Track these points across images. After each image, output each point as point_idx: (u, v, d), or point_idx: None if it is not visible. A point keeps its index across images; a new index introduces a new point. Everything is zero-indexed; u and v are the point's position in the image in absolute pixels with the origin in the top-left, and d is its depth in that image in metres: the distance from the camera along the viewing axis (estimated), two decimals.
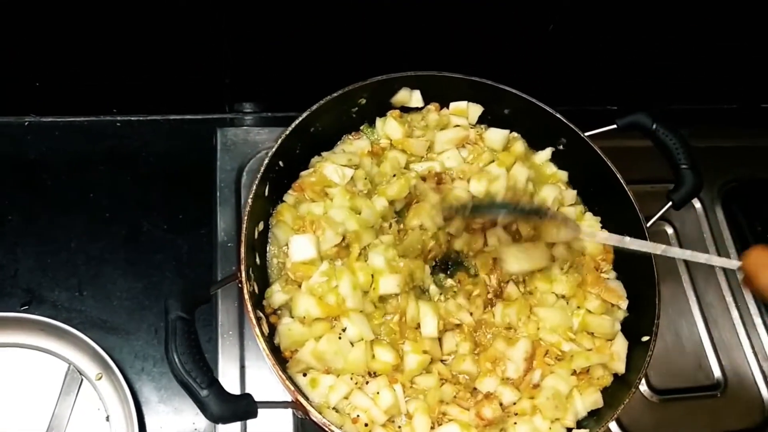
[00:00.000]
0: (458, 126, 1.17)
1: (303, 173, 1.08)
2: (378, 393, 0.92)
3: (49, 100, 1.28)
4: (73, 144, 1.29)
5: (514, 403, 0.97)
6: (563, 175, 1.17)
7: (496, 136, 1.16)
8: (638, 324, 1.01)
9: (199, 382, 0.74)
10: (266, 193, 1.02)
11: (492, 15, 1.21)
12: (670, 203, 1.07)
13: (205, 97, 1.34)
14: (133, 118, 1.33)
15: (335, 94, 1.05)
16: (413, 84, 1.14)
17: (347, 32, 1.21)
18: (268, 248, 1.03)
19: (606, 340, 1.02)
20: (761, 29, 1.35)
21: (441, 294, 1.04)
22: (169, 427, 1.06)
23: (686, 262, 1.34)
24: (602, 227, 1.14)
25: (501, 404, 0.96)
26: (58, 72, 1.22)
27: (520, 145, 1.17)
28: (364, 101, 1.12)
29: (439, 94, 1.15)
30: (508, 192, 1.04)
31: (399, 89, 1.14)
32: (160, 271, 1.18)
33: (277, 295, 0.97)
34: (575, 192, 1.15)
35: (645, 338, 0.98)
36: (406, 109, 1.17)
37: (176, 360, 0.74)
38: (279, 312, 0.98)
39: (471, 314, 1.02)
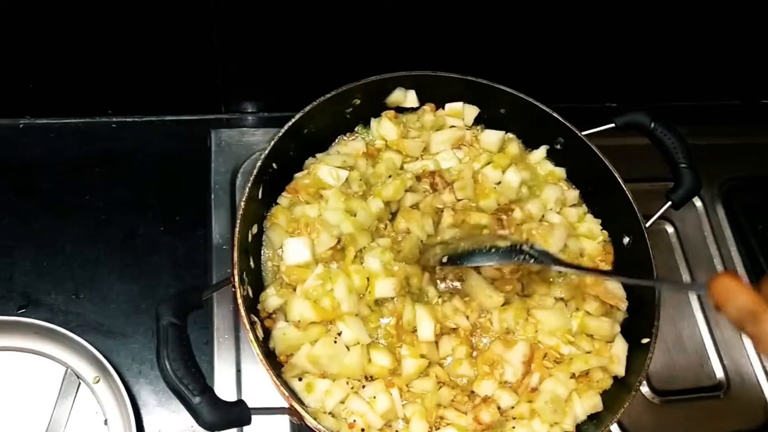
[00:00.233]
0: (454, 127, 1.16)
1: (297, 175, 1.07)
2: (375, 397, 0.92)
3: (43, 102, 1.28)
4: (69, 146, 1.29)
5: (513, 407, 0.96)
6: (561, 172, 1.16)
7: (491, 137, 1.15)
8: (638, 326, 1.00)
9: (192, 389, 0.73)
10: (260, 196, 1.01)
11: (487, 14, 1.20)
12: (670, 203, 1.06)
13: (201, 98, 1.33)
14: (128, 120, 1.33)
15: (329, 95, 1.04)
16: (408, 84, 1.13)
17: (342, 32, 1.20)
18: (262, 251, 1.02)
19: (605, 342, 1.01)
20: (760, 25, 1.33)
21: (439, 297, 1.03)
22: (166, 430, 1.06)
23: (687, 261, 1.32)
24: (602, 228, 1.13)
25: (499, 408, 0.95)
26: (52, 73, 1.22)
27: (514, 146, 1.16)
28: (358, 102, 1.11)
29: (434, 94, 1.14)
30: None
31: (393, 89, 1.13)
32: (157, 274, 1.18)
33: (271, 299, 0.96)
34: (577, 192, 1.14)
35: (645, 340, 0.97)
36: (401, 110, 1.16)
37: (168, 367, 0.74)
38: (274, 316, 0.97)
39: (467, 318, 1.01)
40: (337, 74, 1.08)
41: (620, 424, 1.14)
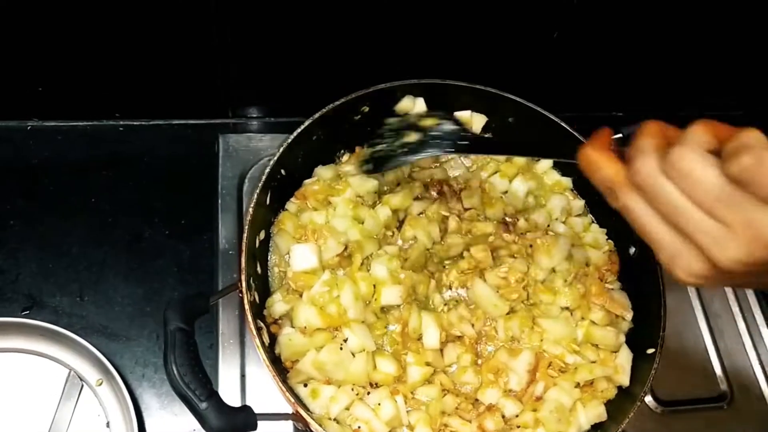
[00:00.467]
0: None
1: (306, 181, 1.08)
2: (379, 404, 0.92)
3: (51, 105, 1.28)
4: (76, 148, 1.29)
5: (517, 416, 0.96)
6: (567, 182, 1.16)
7: None
8: (643, 336, 1.00)
9: (198, 395, 0.73)
10: (267, 202, 1.01)
11: (496, 23, 1.21)
12: None
13: (208, 102, 1.33)
14: (135, 123, 1.33)
15: (337, 103, 1.05)
16: (416, 92, 1.13)
17: (350, 39, 1.20)
18: (269, 257, 1.03)
19: (610, 352, 1.01)
20: (767, 36, 1.33)
21: (444, 305, 1.03)
22: None
23: None
24: (607, 238, 1.13)
25: (503, 417, 0.95)
26: (60, 76, 1.22)
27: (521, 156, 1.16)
28: (367, 109, 1.11)
29: (442, 102, 1.14)
30: None
31: (402, 97, 1.13)
32: (162, 278, 1.18)
33: (277, 305, 0.96)
34: (583, 202, 1.14)
35: (650, 350, 0.97)
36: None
37: (175, 372, 0.74)
38: (280, 321, 0.97)
39: (472, 326, 1.01)
40: (344, 80, 1.08)
41: None
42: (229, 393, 1.05)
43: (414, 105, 1.13)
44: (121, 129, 1.32)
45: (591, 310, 1.03)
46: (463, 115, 1.15)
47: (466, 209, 1.10)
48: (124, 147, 1.30)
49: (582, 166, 0.66)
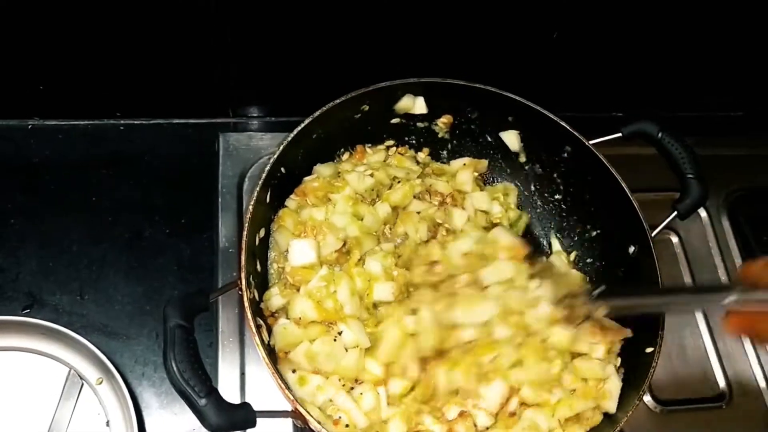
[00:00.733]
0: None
1: (306, 178, 1.08)
2: (361, 394, 0.92)
3: (52, 104, 1.28)
4: (76, 147, 1.29)
5: (488, 428, 0.95)
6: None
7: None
8: (642, 335, 1.00)
9: (198, 391, 0.73)
10: (267, 200, 1.02)
11: (496, 22, 1.21)
12: (675, 213, 1.06)
13: (209, 102, 1.34)
14: (136, 122, 1.33)
15: (338, 101, 1.05)
16: (417, 91, 1.13)
17: (351, 38, 1.20)
18: (269, 254, 1.03)
19: (599, 380, 0.99)
20: (766, 36, 1.34)
21: None
22: None
23: (691, 271, 1.32)
24: (604, 239, 1.13)
25: (475, 425, 0.95)
26: (61, 75, 1.23)
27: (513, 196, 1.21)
28: (367, 107, 1.11)
29: (442, 102, 1.15)
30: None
31: (402, 96, 1.13)
32: (162, 276, 1.18)
33: (275, 298, 0.97)
34: None
35: (649, 349, 0.96)
36: (410, 116, 1.16)
37: (174, 369, 0.74)
38: (276, 315, 0.98)
39: None
40: (345, 79, 1.08)
41: None
42: (228, 391, 1.06)
43: (414, 104, 1.14)
44: (121, 128, 1.33)
45: (592, 350, 1.01)
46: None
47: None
48: (125, 146, 1.31)
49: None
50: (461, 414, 0.94)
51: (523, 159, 1.21)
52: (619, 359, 1.03)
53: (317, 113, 1.03)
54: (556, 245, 1.21)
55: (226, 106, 1.35)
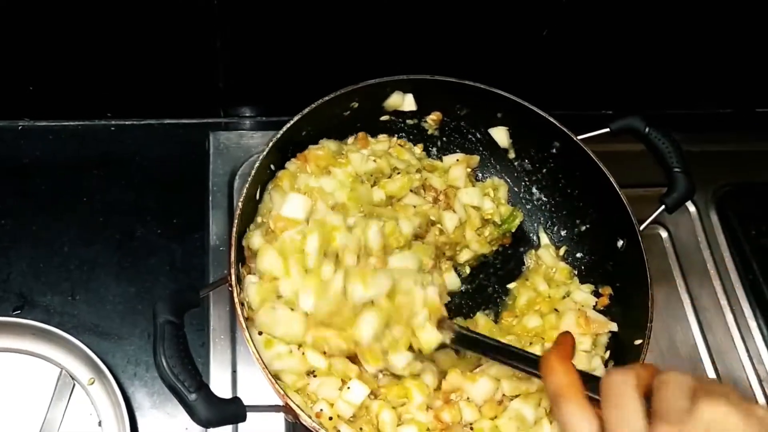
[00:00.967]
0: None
1: (312, 146, 1.08)
2: (349, 388, 0.91)
3: (42, 104, 1.28)
4: (67, 148, 1.29)
5: (473, 423, 0.95)
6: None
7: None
8: (631, 327, 1.01)
9: (188, 386, 0.73)
10: (257, 197, 1.02)
11: (485, 19, 1.22)
12: (663, 207, 1.07)
13: (200, 102, 1.34)
14: (127, 123, 1.33)
15: (327, 98, 1.05)
16: (406, 88, 1.14)
17: (342, 36, 1.21)
18: (258, 211, 1.02)
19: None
20: (756, 33, 1.35)
21: None
22: None
23: (680, 266, 1.33)
24: (593, 233, 1.13)
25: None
26: (51, 76, 1.22)
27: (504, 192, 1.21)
28: (356, 105, 1.12)
29: (431, 98, 1.16)
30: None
31: (391, 93, 1.14)
32: (154, 276, 1.18)
33: (255, 238, 0.97)
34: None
35: (638, 341, 0.97)
36: (399, 114, 1.17)
37: (164, 364, 0.74)
38: (252, 266, 0.98)
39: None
40: (335, 78, 1.09)
41: None
42: (220, 388, 1.05)
43: (403, 101, 1.14)
44: (112, 128, 1.33)
45: (578, 342, 1.01)
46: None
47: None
48: (116, 146, 1.30)
49: (541, 368, 0.68)
50: (447, 401, 0.94)
51: (512, 155, 1.22)
52: (608, 352, 1.03)
53: (306, 110, 1.04)
54: (544, 239, 1.22)
55: (217, 106, 1.35)
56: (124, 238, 1.21)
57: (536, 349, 1.00)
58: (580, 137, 1.10)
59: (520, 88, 1.14)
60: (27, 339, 1.05)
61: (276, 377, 0.88)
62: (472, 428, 0.95)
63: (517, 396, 0.97)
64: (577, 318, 1.01)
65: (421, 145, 1.22)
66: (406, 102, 1.15)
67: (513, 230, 1.20)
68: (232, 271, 0.89)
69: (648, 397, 0.59)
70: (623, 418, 0.58)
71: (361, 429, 0.90)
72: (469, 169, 1.20)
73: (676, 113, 1.49)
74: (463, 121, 1.20)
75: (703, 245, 1.35)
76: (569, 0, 1.19)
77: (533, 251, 1.20)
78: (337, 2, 1.13)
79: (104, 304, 1.14)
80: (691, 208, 1.38)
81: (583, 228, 1.18)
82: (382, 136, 1.18)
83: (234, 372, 1.07)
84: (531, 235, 1.24)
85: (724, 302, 1.29)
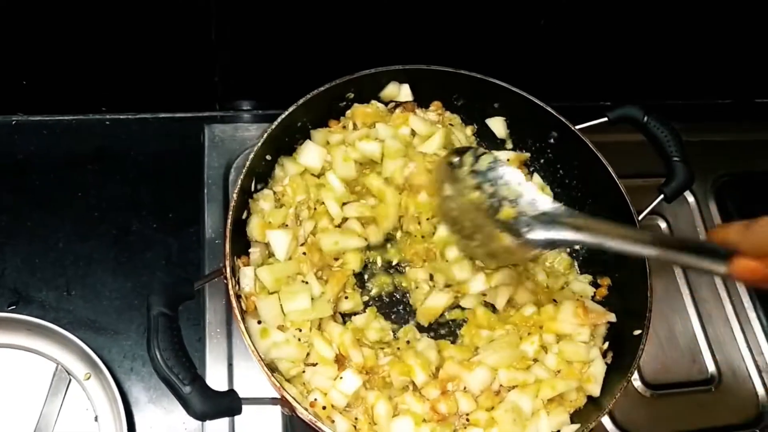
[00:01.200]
0: None
1: (358, 105, 1.11)
2: (342, 378, 0.91)
3: (36, 99, 1.27)
4: (62, 143, 1.28)
5: (469, 413, 0.95)
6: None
7: None
8: (630, 317, 1.00)
9: (182, 379, 0.73)
10: (252, 188, 1.01)
11: (482, 8, 1.21)
12: (662, 196, 1.07)
13: (195, 95, 1.33)
14: (122, 117, 1.32)
15: (322, 89, 1.05)
16: (402, 78, 1.13)
17: (338, 27, 1.20)
18: (271, 176, 1.07)
19: (583, 363, 1.00)
20: (754, 24, 1.34)
21: None
22: (158, 427, 1.05)
23: None
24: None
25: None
26: (45, 70, 1.21)
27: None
28: (352, 95, 1.11)
29: (427, 89, 1.15)
30: None
31: (387, 83, 1.13)
32: (150, 271, 1.17)
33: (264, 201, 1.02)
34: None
35: (637, 332, 0.96)
36: (396, 104, 1.16)
37: (158, 356, 0.73)
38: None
39: None
40: (332, 70, 1.08)
41: (612, 418, 1.13)
42: (216, 382, 1.05)
43: (399, 91, 1.14)
44: (107, 123, 1.32)
45: (576, 333, 1.01)
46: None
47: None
48: (111, 141, 1.30)
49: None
50: (444, 392, 0.94)
51: (509, 146, 1.21)
52: (606, 343, 1.03)
53: (301, 100, 1.03)
54: None
55: (212, 100, 1.34)
56: (119, 233, 1.20)
57: (534, 340, 1.00)
58: (578, 127, 1.09)
59: (517, 79, 1.13)
60: (22, 334, 1.05)
61: (271, 368, 0.87)
62: (468, 419, 0.94)
63: (514, 387, 0.97)
64: (575, 308, 1.01)
65: (472, 127, 1.21)
66: (403, 92, 1.14)
67: None
68: (227, 262, 0.89)
69: None
70: None
71: (356, 419, 0.90)
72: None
73: (675, 104, 1.48)
74: (459, 111, 1.20)
75: (702, 236, 1.34)
76: None
77: None
78: None
79: (100, 299, 1.14)
80: (690, 198, 1.37)
81: None
82: (435, 104, 1.17)
83: (230, 365, 1.06)
84: None
85: (723, 293, 1.29)
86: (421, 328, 1.06)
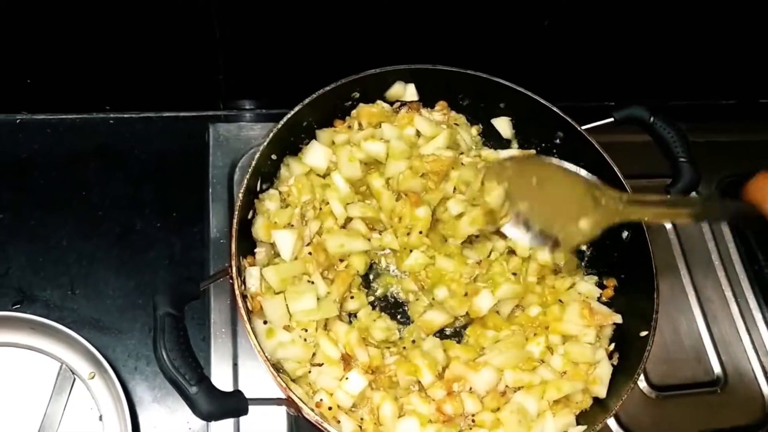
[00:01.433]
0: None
1: (363, 105, 1.11)
2: (347, 378, 0.91)
3: (40, 98, 1.27)
4: (65, 142, 1.28)
5: (475, 415, 0.95)
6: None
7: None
8: (636, 319, 1.00)
9: (188, 379, 0.73)
10: (258, 188, 1.01)
11: (487, 8, 1.20)
12: (668, 197, 1.06)
13: (199, 94, 1.33)
14: (125, 116, 1.32)
15: (328, 88, 1.04)
16: (407, 78, 1.13)
17: (342, 26, 1.20)
18: (276, 175, 1.07)
19: (589, 365, 0.99)
20: (758, 24, 1.34)
21: None
22: (162, 427, 1.05)
23: (685, 257, 1.32)
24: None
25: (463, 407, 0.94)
26: (50, 69, 1.21)
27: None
28: (357, 95, 1.11)
29: (433, 88, 1.14)
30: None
31: (393, 83, 1.13)
32: (153, 270, 1.17)
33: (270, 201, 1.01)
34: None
35: (643, 333, 0.96)
36: (401, 104, 1.16)
37: (165, 356, 0.73)
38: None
39: None
40: (337, 70, 1.08)
41: (618, 420, 1.13)
42: (221, 382, 1.05)
43: (405, 91, 1.13)
44: (111, 121, 1.32)
45: (582, 334, 1.01)
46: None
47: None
48: (115, 139, 1.30)
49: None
50: (450, 393, 0.94)
51: (515, 146, 1.21)
52: (612, 345, 1.03)
53: (307, 100, 1.03)
54: None
55: (216, 99, 1.34)
56: (123, 232, 1.20)
57: (540, 341, 0.99)
58: (584, 127, 1.09)
59: (522, 79, 1.13)
60: (26, 333, 1.05)
61: (277, 368, 0.87)
62: (473, 420, 0.94)
63: (520, 388, 0.96)
64: (581, 309, 1.01)
65: (478, 127, 1.20)
66: (408, 92, 1.14)
67: None
68: (233, 262, 0.89)
69: None
70: None
71: (362, 419, 0.90)
72: None
73: (680, 104, 1.48)
74: (465, 111, 1.19)
75: (707, 236, 1.34)
76: None
77: None
78: None
79: (104, 298, 1.14)
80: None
81: None
82: (440, 104, 1.17)
83: (235, 365, 1.06)
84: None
85: (729, 294, 1.29)
86: None
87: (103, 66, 1.22)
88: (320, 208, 1.06)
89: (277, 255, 1.01)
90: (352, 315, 1.04)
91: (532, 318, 1.02)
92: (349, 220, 1.07)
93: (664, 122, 1.07)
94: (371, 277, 1.10)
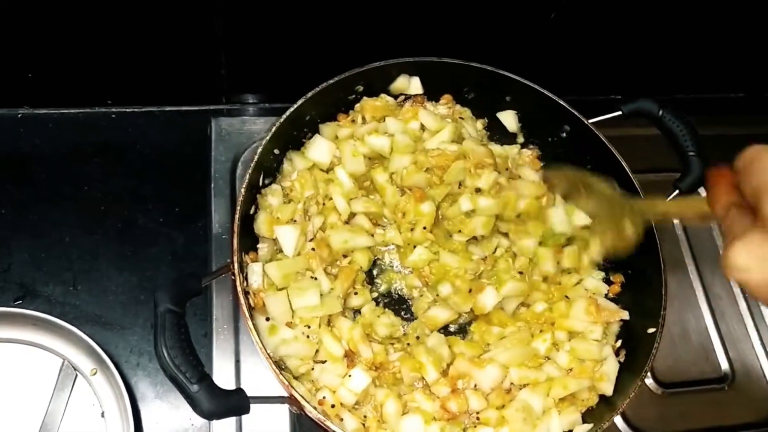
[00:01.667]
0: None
1: (366, 98, 1.10)
2: (350, 376, 0.90)
3: (42, 92, 1.26)
4: (67, 136, 1.27)
5: (480, 412, 0.94)
6: None
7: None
8: (644, 315, 0.99)
9: (189, 377, 0.72)
10: (260, 183, 1.00)
11: (493, 1, 1.19)
12: (677, 191, 1.05)
13: (201, 89, 1.32)
14: (128, 110, 1.31)
15: (331, 81, 1.03)
16: (412, 71, 1.11)
17: (345, 19, 1.18)
18: (280, 170, 1.06)
19: (596, 362, 0.98)
20: (766, 17, 1.32)
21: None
22: (165, 423, 1.05)
23: (692, 252, 1.31)
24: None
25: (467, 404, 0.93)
26: (51, 63, 1.20)
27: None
28: (361, 89, 1.10)
29: (438, 81, 1.13)
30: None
31: (397, 76, 1.11)
32: (156, 265, 1.16)
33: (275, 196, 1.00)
34: None
35: (651, 330, 0.95)
36: (406, 97, 1.15)
37: (165, 354, 0.72)
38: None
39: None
40: (340, 63, 1.07)
41: (624, 417, 1.12)
42: (223, 379, 1.04)
43: (409, 84, 1.12)
44: (113, 116, 1.31)
45: (589, 331, 1.01)
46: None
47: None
48: (117, 134, 1.29)
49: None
50: (454, 391, 0.93)
51: (521, 140, 1.20)
52: (619, 342, 1.02)
53: (310, 94, 1.02)
54: None
55: (219, 93, 1.33)
56: (125, 227, 1.19)
57: (546, 338, 0.98)
58: (591, 121, 1.07)
59: (528, 72, 1.11)
60: (28, 329, 1.04)
61: (280, 366, 0.86)
62: (478, 418, 0.93)
63: (525, 385, 0.95)
64: (587, 305, 0.99)
65: (483, 120, 1.19)
66: (413, 85, 1.13)
67: None
68: (235, 258, 0.88)
69: None
70: None
71: (365, 417, 0.89)
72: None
73: (687, 98, 1.46)
74: (470, 105, 1.18)
75: (715, 232, 1.33)
76: None
77: None
78: None
79: (106, 293, 1.13)
80: (704, 193, 1.35)
81: None
82: (445, 97, 1.15)
83: (237, 362, 1.06)
84: None
85: (737, 290, 1.28)
86: None
87: (105, 60, 1.21)
88: (323, 204, 1.04)
89: (280, 251, 1.00)
90: (356, 311, 1.03)
91: (537, 314, 1.01)
92: (352, 215, 1.06)
93: (673, 115, 1.05)
94: (375, 273, 1.09)
